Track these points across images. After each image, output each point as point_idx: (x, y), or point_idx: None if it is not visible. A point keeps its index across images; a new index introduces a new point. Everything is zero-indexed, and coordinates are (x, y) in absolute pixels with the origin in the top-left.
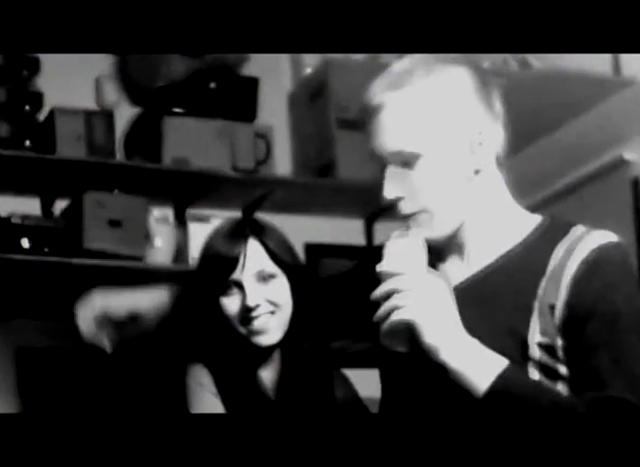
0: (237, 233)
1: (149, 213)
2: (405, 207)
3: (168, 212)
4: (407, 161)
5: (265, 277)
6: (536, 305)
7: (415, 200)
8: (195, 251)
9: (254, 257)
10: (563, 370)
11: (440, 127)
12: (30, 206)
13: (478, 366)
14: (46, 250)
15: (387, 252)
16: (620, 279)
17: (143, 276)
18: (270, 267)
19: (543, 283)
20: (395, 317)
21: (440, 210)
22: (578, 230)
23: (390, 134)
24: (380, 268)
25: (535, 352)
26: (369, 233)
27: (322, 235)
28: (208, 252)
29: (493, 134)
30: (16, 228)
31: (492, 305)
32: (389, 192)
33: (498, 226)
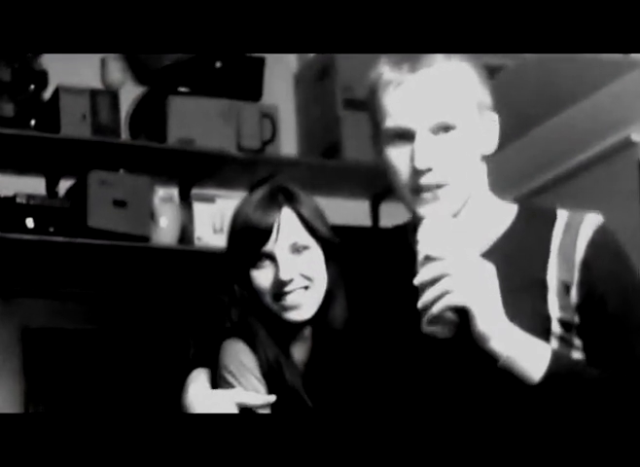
0: (271, 201)
1: (154, 193)
2: (431, 178)
3: (173, 192)
4: (439, 133)
5: (298, 249)
6: (549, 281)
7: (442, 172)
8: (199, 231)
9: (288, 227)
10: (577, 342)
11: (468, 105)
12: (35, 186)
13: (528, 352)
14: (51, 230)
15: (426, 235)
16: (622, 254)
17: (148, 256)
18: (305, 238)
19: (551, 262)
20: (445, 302)
21: (459, 186)
22: (564, 212)
23: (427, 106)
24: (422, 252)
25: (556, 327)
26: (374, 213)
27: (327, 216)
28: (239, 221)
29: (497, 127)
30: (20, 207)
31: (504, 287)
32: (423, 162)
33: (484, 212)
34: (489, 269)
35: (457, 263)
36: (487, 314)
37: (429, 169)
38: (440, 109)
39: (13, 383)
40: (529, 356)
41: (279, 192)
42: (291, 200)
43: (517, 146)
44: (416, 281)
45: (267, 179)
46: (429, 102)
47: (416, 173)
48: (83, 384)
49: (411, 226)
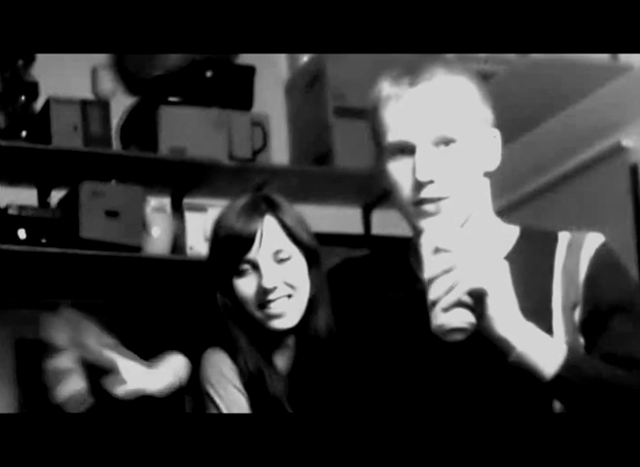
0: (254, 209)
1: (146, 203)
2: (433, 191)
3: (165, 202)
4: (440, 146)
5: (282, 257)
6: (554, 304)
7: (444, 185)
8: (192, 240)
9: (271, 235)
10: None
11: (469, 119)
12: (27, 197)
13: (542, 344)
14: (43, 241)
15: (434, 230)
16: (624, 270)
17: (140, 266)
18: (287, 246)
19: (555, 285)
20: (461, 288)
21: (461, 200)
22: (565, 234)
23: (428, 119)
24: (431, 245)
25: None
26: (366, 221)
27: (319, 224)
28: (222, 229)
29: (499, 143)
30: (12, 219)
31: None
32: (424, 174)
33: (486, 233)
34: (501, 263)
35: (469, 254)
36: (502, 300)
37: (430, 182)
38: (440, 122)
39: (6, 394)
40: (543, 349)
41: (261, 200)
42: (273, 209)
43: (509, 152)
44: (427, 274)
45: (260, 187)
46: (429, 115)
47: (418, 186)
48: None
49: (413, 246)
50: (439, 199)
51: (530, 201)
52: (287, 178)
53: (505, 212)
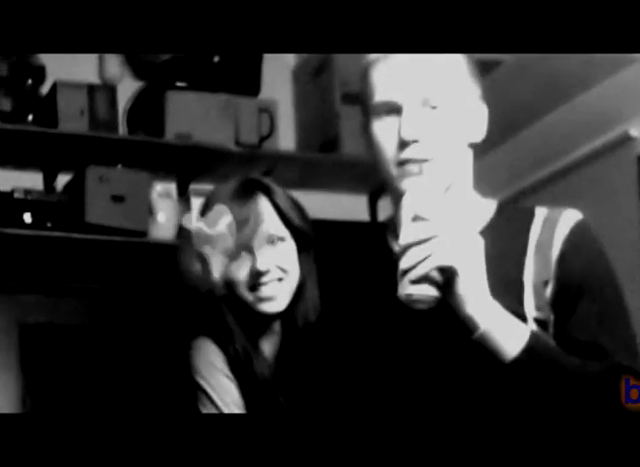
0: (246, 192)
1: (152, 188)
2: (416, 151)
3: (171, 187)
4: (426, 108)
5: (274, 240)
6: (526, 280)
7: (428, 146)
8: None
9: (264, 218)
10: (552, 342)
11: (456, 85)
12: (33, 181)
13: (507, 327)
14: (48, 225)
15: (411, 196)
16: (599, 251)
17: (145, 251)
18: (280, 229)
19: (528, 260)
20: (433, 261)
21: (444, 164)
22: (542, 210)
23: (415, 79)
24: (411, 211)
25: (532, 327)
26: (372, 208)
27: (325, 211)
28: None
29: (486, 117)
30: (18, 202)
31: None
32: (409, 133)
33: (463, 206)
34: (478, 239)
35: (446, 227)
36: (472, 279)
37: (415, 141)
38: (427, 84)
39: (10, 379)
40: (507, 331)
41: (253, 184)
42: (266, 192)
43: (517, 141)
44: (401, 240)
45: (268, 173)
46: (417, 76)
47: (402, 145)
48: (80, 379)
49: (392, 225)
50: (422, 160)
51: (537, 191)
52: (293, 165)
53: (512, 201)
